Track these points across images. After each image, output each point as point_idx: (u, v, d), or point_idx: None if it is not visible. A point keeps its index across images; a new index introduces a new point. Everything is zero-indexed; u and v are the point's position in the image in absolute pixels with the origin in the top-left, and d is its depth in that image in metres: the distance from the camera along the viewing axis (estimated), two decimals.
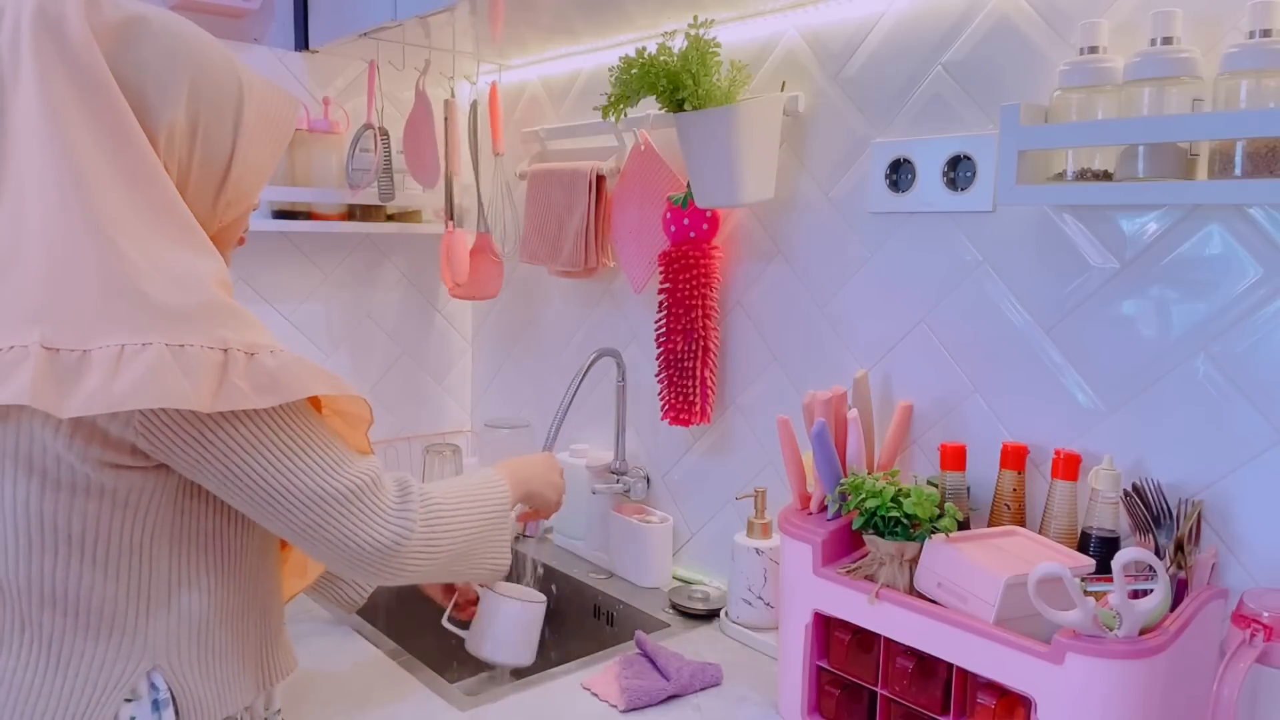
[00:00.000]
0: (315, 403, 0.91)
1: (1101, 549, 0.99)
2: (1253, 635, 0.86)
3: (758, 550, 1.30)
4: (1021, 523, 1.08)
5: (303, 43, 1.71)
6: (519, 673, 1.34)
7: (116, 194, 0.78)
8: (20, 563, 0.80)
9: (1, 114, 0.79)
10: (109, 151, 0.79)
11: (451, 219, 1.76)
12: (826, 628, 1.06)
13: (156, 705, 0.85)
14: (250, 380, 0.78)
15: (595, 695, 1.15)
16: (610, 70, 1.24)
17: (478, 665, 1.63)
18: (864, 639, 1.02)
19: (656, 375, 1.49)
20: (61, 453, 0.78)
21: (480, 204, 1.77)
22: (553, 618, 1.62)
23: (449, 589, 1.30)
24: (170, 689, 0.85)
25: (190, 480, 0.84)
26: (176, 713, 0.85)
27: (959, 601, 0.93)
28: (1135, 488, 0.97)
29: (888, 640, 0.99)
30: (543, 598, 1.26)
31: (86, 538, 0.81)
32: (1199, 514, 0.96)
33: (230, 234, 0.95)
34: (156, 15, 0.84)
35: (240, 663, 0.91)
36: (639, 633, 1.25)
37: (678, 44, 1.22)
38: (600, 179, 1.58)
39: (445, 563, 0.97)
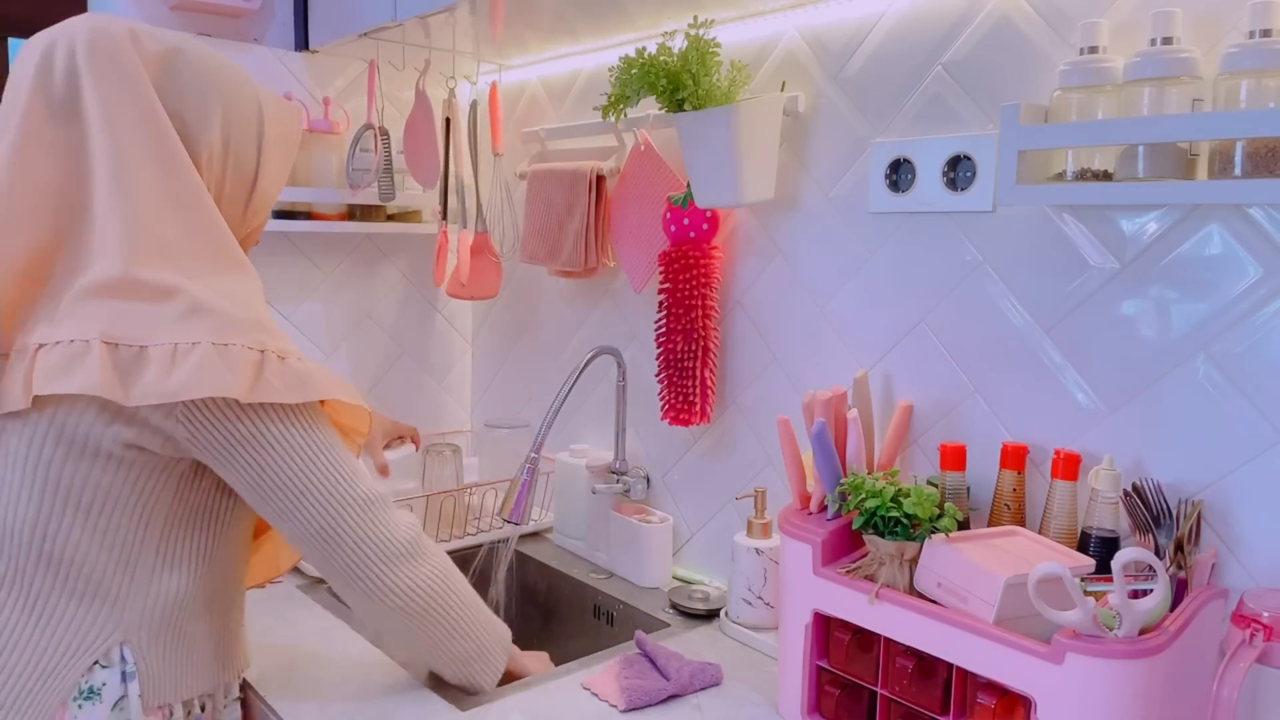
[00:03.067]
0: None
1: (1101, 549, 0.99)
2: (1253, 635, 0.86)
3: (758, 550, 1.30)
4: (1021, 523, 1.08)
5: (303, 43, 1.71)
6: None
7: (170, 212, 0.88)
8: (29, 517, 0.88)
9: (57, 128, 0.87)
10: (164, 174, 0.89)
11: (445, 218, 1.76)
12: (826, 628, 1.06)
13: (125, 676, 0.92)
14: (282, 379, 0.88)
15: (595, 695, 1.15)
16: (610, 70, 1.24)
17: None
18: (864, 639, 1.02)
19: (656, 375, 1.49)
20: (99, 431, 0.86)
21: (479, 204, 1.77)
22: (553, 618, 1.62)
23: None
24: (134, 662, 0.92)
25: (194, 470, 0.92)
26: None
27: (959, 601, 0.93)
28: (1135, 488, 0.97)
29: (888, 640, 0.99)
30: None
31: (94, 507, 0.88)
32: (1199, 514, 0.96)
33: (252, 239, 1.05)
34: (188, 45, 0.94)
35: (202, 650, 0.98)
36: (639, 633, 1.25)
37: (678, 44, 1.22)
38: (600, 179, 1.58)
39: (436, 610, 1.03)
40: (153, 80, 0.90)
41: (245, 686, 1.15)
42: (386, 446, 1.59)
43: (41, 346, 0.83)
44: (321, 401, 0.98)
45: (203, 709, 1.00)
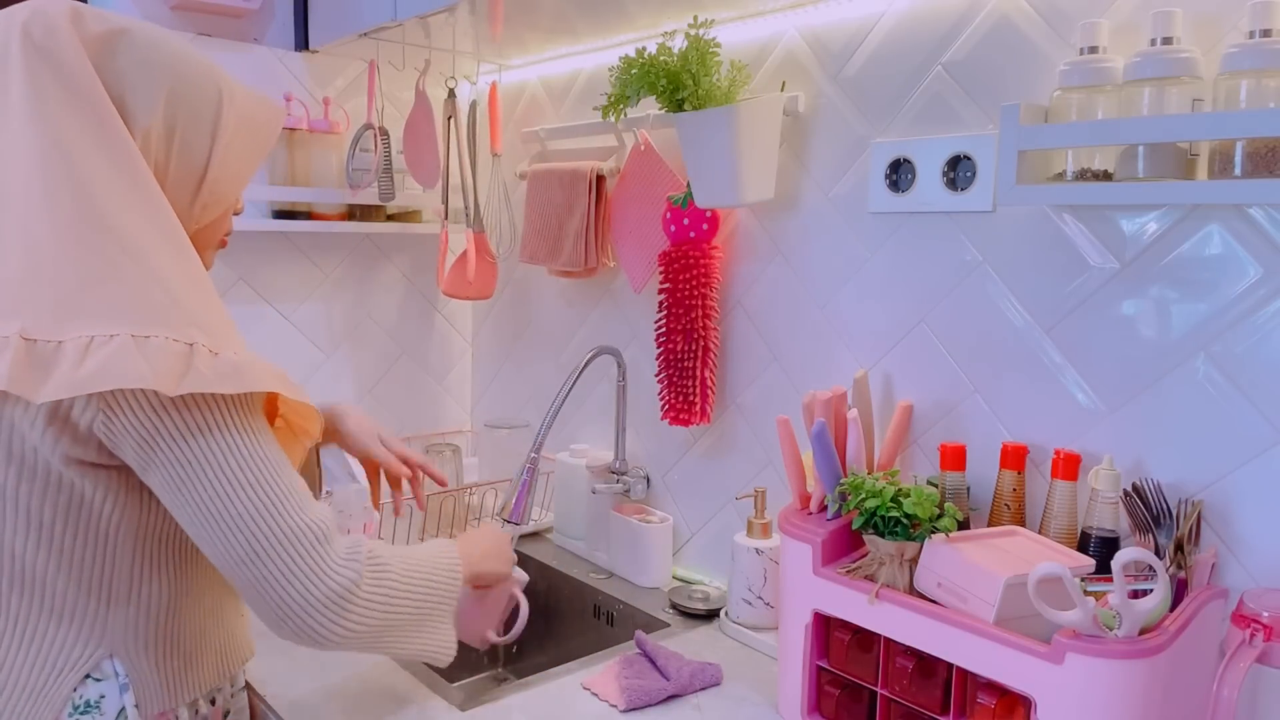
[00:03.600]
0: (270, 412, 0.93)
1: (1101, 549, 0.99)
2: (1253, 635, 0.86)
3: (758, 550, 1.30)
4: (1021, 523, 1.08)
5: (303, 43, 1.71)
6: (519, 673, 1.35)
7: (103, 193, 0.81)
8: None
9: (6, 118, 0.82)
10: (97, 153, 0.82)
11: (447, 218, 1.76)
12: (826, 628, 1.06)
13: (122, 689, 0.89)
14: (213, 369, 0.80)
15: (595, 695, 1.15)
16: (610, 70, 1.24)
17: (478, 665, 1.63)
18: (864, 639, 1.02)
19: (656, 375, 1.49)
20: (37, 444, 0.82)
21: (477, 204, 1.77)
22: (553, 618, 1.62)
23: None
24: (126, 674, 0.89)
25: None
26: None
27: (959, 601, 0.93)
28: (1135, 488, 0.97)
29: (888, 640, 0.99)
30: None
31: (55, 527, 0.85)
32: (1199, 514, 0.96)
33: (210, 234, 0.97)
34: (139, 28, 0.87)
35: (197, 653, 0.95)
36: (639, 633, 1.25)
37: (678, 44, 1.22)
38: (600, 179, 1.58)
39: (383, 632, 0.92)
40: (92, 59, 0.84)
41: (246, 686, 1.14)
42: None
43: None
44: (270, 408, 0.92)
45: (213, 703, 0.97)
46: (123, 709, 0.89)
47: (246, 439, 0.83)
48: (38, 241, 0.79)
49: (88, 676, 0.88)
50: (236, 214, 1.01)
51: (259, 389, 0.82)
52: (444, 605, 1.00)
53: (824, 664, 1.07)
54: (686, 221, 1.44)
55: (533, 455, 1.42)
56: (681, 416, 1.46)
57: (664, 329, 1.46)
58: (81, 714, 0.87)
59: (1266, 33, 0.85)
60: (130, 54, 0.86)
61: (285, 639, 0.87)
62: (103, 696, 0.88)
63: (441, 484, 1.29)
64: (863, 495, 1.00)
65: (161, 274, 0.82)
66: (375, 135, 1.68)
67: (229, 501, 0.82)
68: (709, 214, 1.42)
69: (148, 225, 0.83)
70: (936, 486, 1.12)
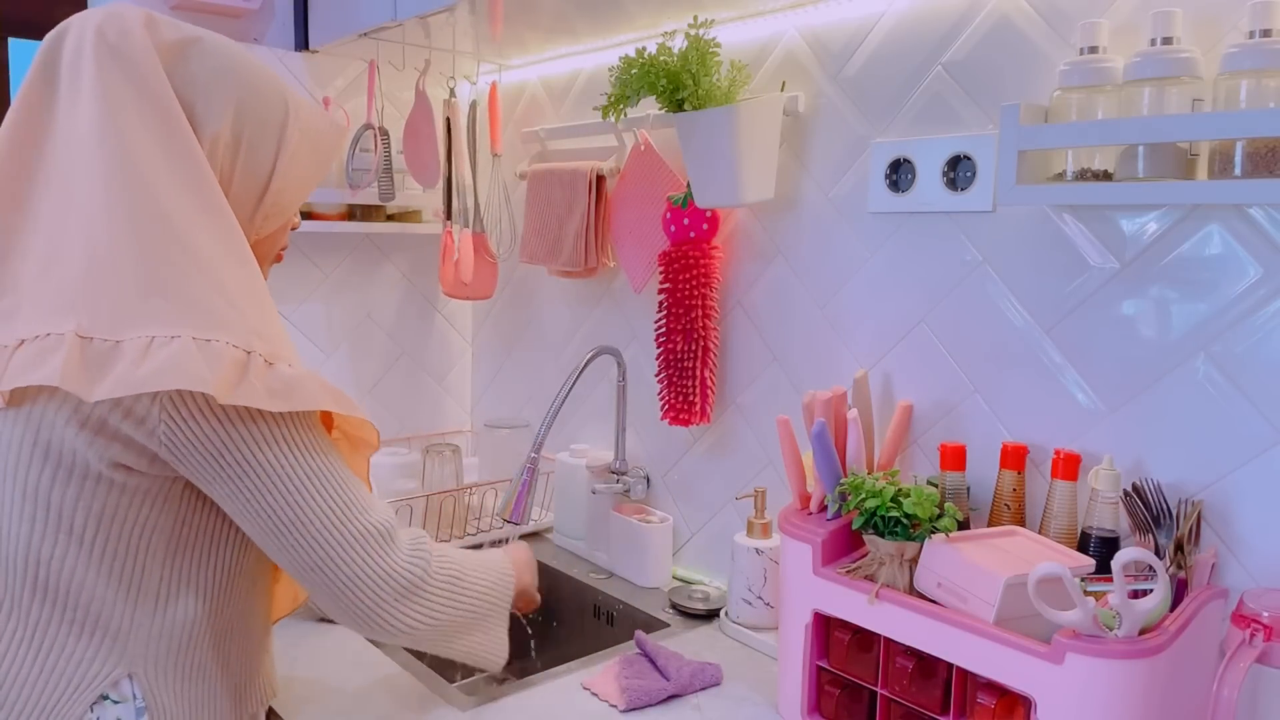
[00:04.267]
0: (326, 423, 0.93)
1: (1101, 549, 0.99)
2: (1253, 635, 0.86)
3: (758, 550, 1.30)
4: (1021, 523, 1.08)
5: (303, 43, 1.71)
6: (519, 672, 1.35)
7: (168, 195, 0.82)
8: (20, 544, 0.82)
9: (56, 114, 0.84)
10: (164, 156, 0.83)
11: (449, 219, 1.76)
12: (826, 628, 1.06)
13: (139, 712, 0.85)
14: (265, 384, 0.80)
15: (595, 695, 1.15)
16: (610, 70, 1.24)
17: None
18: (864, 639, 1.02)
19: (656, 375, 1.49)
20: (78, 446, 0.80)
21: (476, 204, 1.77)
22: (553, 618, 1.62)
23: None
24: (144, 698, 0.85)
25: (195, 492, 0.85)
26: None
27: (959, 601, 0.93)
28: (1135, 488, 0.97)
29: (888, 640, 0.99)
30: None
31: (87, 531, 0.82)
32: (1199, 514, 0.96)
33: (268, 247, 0.99)
34: (210, 38, 0.90)
35: (218, 684, 0.91)
36: (639, 633, 1.25)
37: (678, 44, 1.22)
38: (600, 179, 1.58)
39: (448, 630, 0.97)
40: (165, 65, 0.85)
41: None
42: None
43: (22, 343, 0.79)
44: (326, 420, 0.92)
45: None
46: None
47: (310, 450, 0.85)
48: (100, 242, 0.79)
49: (105, 698, 0.84)
50: (294, 229, 1.02)
51: (306, 407, 0.82)
52: (500, 609, 1.05)
53: (824, 664, 1.07)
54: (686, 221, 1.44)
55: (533, 455, 1.42)
56: (681, 416, 1.46)
57: (664, 329, 1.46)
58: None
59: (1266, 33, 0.85)
60: (202, 61, 0.87)
61: (363, 634, 0.92)
62: (119, 719, 0.84)
63: None
64: (863, 495, 1.00)
65: (222, 280, 0.82)
66: (375, 135, 1.68)
67: (297, 509, 0.84)
68: (709, 214, 1.42)
69: (210, 232, 0.83)
70: (936, 486, 1.12)
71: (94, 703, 0.84)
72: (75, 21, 0.86)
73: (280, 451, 0.83)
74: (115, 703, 0.84)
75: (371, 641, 1.29)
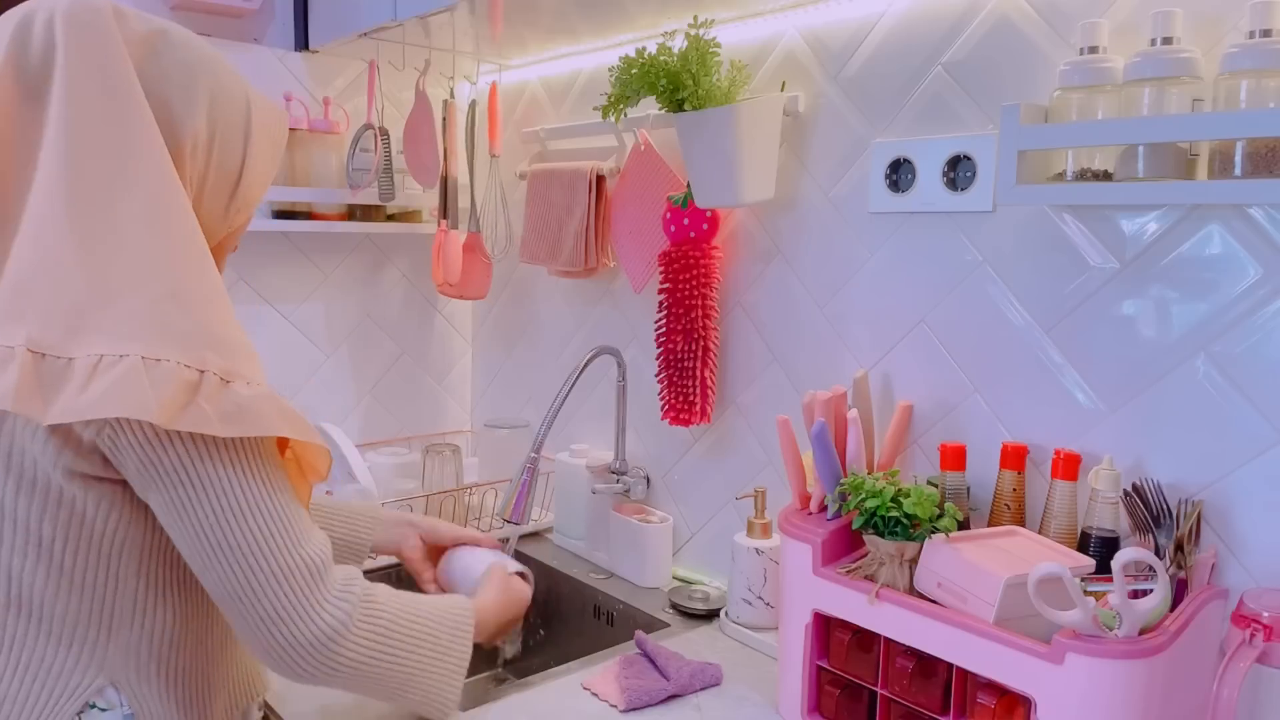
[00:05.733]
0: (281, 444, 0.90)
1: (1101, 549, 0.99)
2: (1253, 635, 0.86)
3: (758, 550, 1.30)
4: (1021, 523, 1.08)
5: (303, 43, 1.71)
6: (519, 672, 1.35)
7: (126, 203, 0.79)
8: None
9: (16, 105, 0.80)
10: (127, 160, 0.80)
11: (445, 218, 1.77)
12: (826, 628, 1.06)
13: (129, 717, 0.85)
14: (217, 406, 0.77)
15: (595, 695, 1.15)
16: (610, 70, 1.24)
17: (478, 665, 1.63)
18: (864, 639, 1.02)
19: (656, 375, 1.49)
20: (38, 457, 0.78)
21: (473, 204, 1.77)
22: (553, 618, 1.62)
23: None
24: (129, 705, 0.85)
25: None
26: None
27: (959, 601, 0.93)
28: (1135, 488, 0.97)
29: (888, 640, 0.99)
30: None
31: (55, 545, 0.80)
32: (1199, 514, 0.96)
33: (230, 241, 0.96)
34: (175, 29, 0.86)
35: (205, 684, 0.90)
36: (639, 633, 1.25)
37: (678, 44, 1.22)
38: (600, 179, 1.58)
39: (374, 677, 0.91)
40: (135, 61, 0.82)
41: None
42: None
43: None
44: (282, 440, 0.88)
45: None
46: None
47: (250, 470, 0.81)
48: (53, 245, 0.76)
49: (92, 706, 0.83)
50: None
51: (257, 433, 0.79)
52: (446, 659, 0.98)
53: (824, 664, 1.07)
54: (686, 221, 1.44)
55: (533, 455, 1.42)
56: (681, 416, 1.46)
57: (664, 329, 1.47)
58: None
59: (1266, 33, 0.85)
60: (171, 55, 0.84)
61: (279, 673, 0.87)
62: None
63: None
64: (863, 495, 1.00)
65: (179, 289, 0.79)
66: (375, 135, 1.68)
67: (227, 531, 0.80)
68: (709, 214, 1.42)
69: (168, 237, 0.80)
70: (936, 486, 1.12)
71: (80, 711, 0.83)
72: (42, 3, 0.81)
73: (217, 468, 0.80)
74: (102, 710, 0.84)
75: None
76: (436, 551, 1.24)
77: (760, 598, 1.30)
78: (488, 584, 1.12)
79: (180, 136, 0.84)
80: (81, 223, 0.77)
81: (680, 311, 1.43)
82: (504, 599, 1.11)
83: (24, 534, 0.80)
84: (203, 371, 0.77)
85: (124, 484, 0.81)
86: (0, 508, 0.80)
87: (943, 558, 0.95)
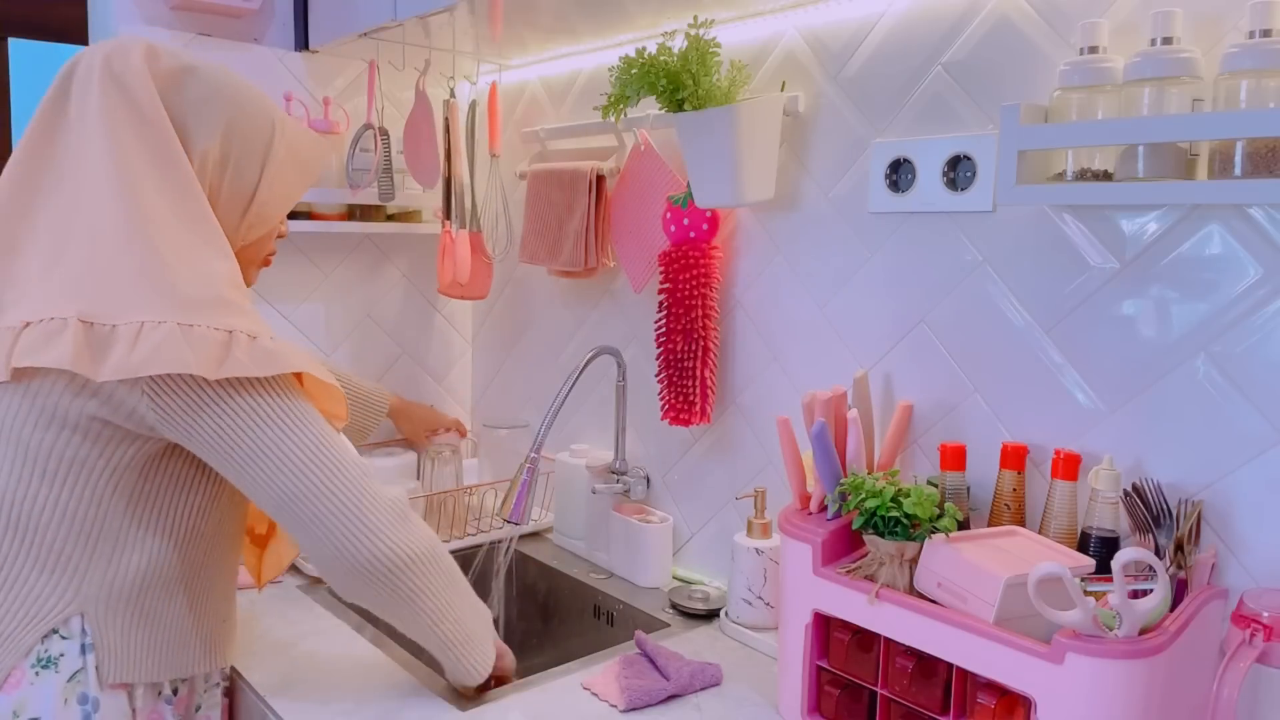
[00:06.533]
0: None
1: (1101, 549, 0.99)
2: (1253, 635, 0.86)
3: (758, 550, 1.30)
4: (1021, 523, 1.08)
5: (303, 43, 1.71)
6: (519, 672, 1.34)
7: (158, 201, 0.93)
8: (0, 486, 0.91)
9: (66, 132, 0.95)
10: (155, 166, 0.94)
11: (448, 219, 1.77)
12: (826, 628, 1.06)
13: (84, 649, 0.93)
14: (250, 355, 0.90)
15: (595, 695, 1.15)
16: (610, 70, 1.24)
17: None
18: (864, 639, 1.02)
19: (656, 375, 1.49)
20: (68, 403, 0.89)
21: (474, 204, 1.76)
22: (553, 618, 1.62)
23: None
24: (91, 636, 0.93)
25: (162, 450, 0.94)
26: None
27: (959, 601, 0.93)
28: (1135, 488, 0.97)
29: (888, 640, 0.99)
30: None
31: (58, 476, 0.91)
32: (1199, 514, 0.96)
33: (254, 252, 1.08)
34: (206, 67, 1.00)
35: (167, 636, 0.99)
36: (639, 633, 1.25)
37: (678, 44, 1.22)
38: (600, 179, 1.58)
39: (442, 598, 1.04)
40: (160, 90, 0.96)
41: (236, 678, 1.16)
42: (431, 436, 1.71)
43: (27, 325, 0.88)
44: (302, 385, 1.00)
45: (175, 692, 1.01)
46: (80, 669, 0.93)
47: (283, 400, 0.93)
48: (101, 240, 0.90)
49: (55, 632, 0.92)
50: (280, 237, 1.12)
51: (291, 369, 0.93)
52: (483, 625, 1.11)
53: (824, 664, 1.07)
54: (686, 221, 1.44)
55: (533, 455, 1.42)
56: (681, 416, 1.45)
57: (664, 329, 1.46)
58: (42, 668, 0.92)
59: (1266, 33, 0.85)
60: (196, 88, 0.98)
61: (339, 580, 0.98)
62: (63, 655, 0.92)
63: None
64: (863, 495, 1.00)
65: (204, 273, 0.92)
66: (375, 135, 1.68)
67: (276, 451, 0.92)
68: (709, 214, 1.42)
69: (193, 232, 0.94)
70: (936, 486, 1.12)
71: (45, 635, 0.92)
72: (87, 53, 0.98)
73: (256, 399, 0.92)
74: (64, 638, 0.93)
75: (371, 642, 1.29)
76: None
77: (760, 598, 1.30)
78: None
79: (191, 153, 0.97)
80: (124, 220, 0.91)
81: (680, 311, 1.43)
82: (502, 647, 1.20)
83: (33, 463, 0.91)
84: (230, 332, 0.90)
85: (139, 435, 0.91)
86: (19, 442, 0.90)
87: (943, 558, 0.95)
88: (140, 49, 0.97)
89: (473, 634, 1.08)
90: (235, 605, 1.10)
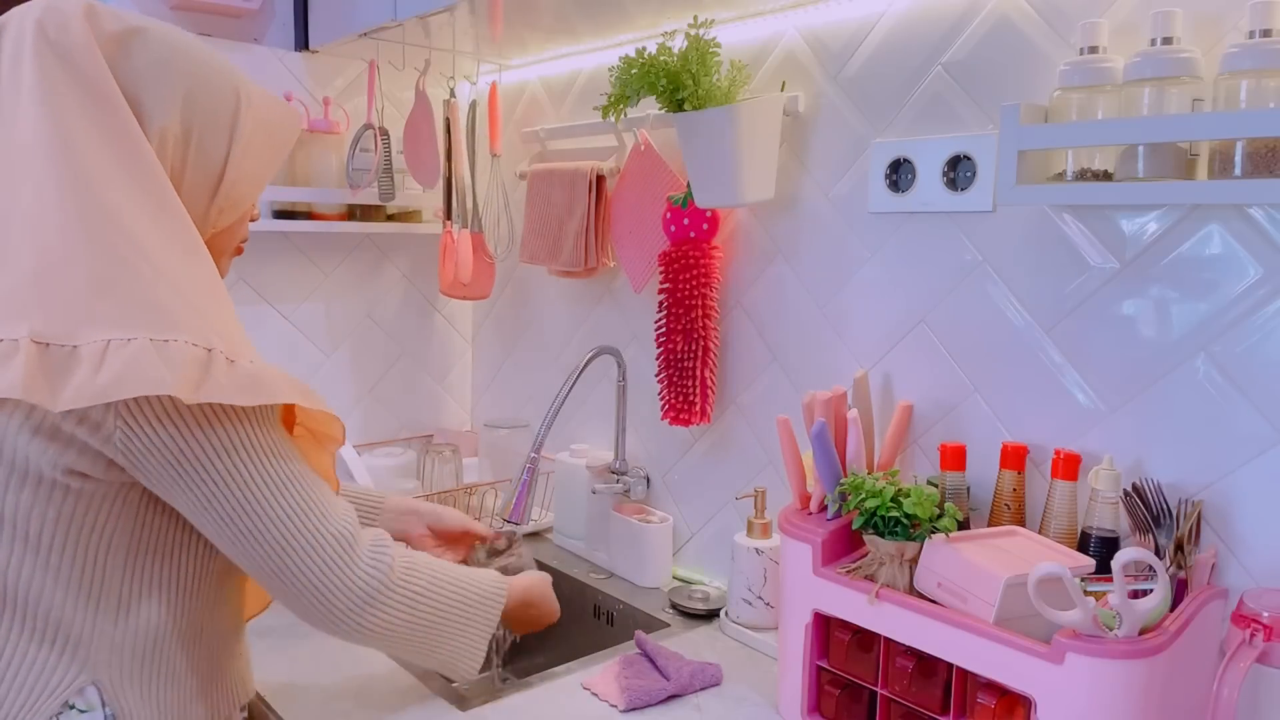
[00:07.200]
0: (288, 421, 0.92)
1: (1101, 549, 0.99)
2: (1253, 635, 0.86)
3: (758, 550, 1.30)
4: (1021, 523, 1.08)
5: (303, 43, 1.71)
6: (519, 672, 1.35)
7: (116, 193, 0.79)
8: None
9: (16, 113, 0.80)
10: (110, 152, 0.80)
11: (449, 219, 1.77)
12: (826, 628, 1.06)
13: (109, 718, 0.84)
14: (231, 379, 0.78)
15: (595, 695, 1.15)
16: (610, 70, 1.24)
17: None
18: (864, 639, 1.02)
19: (656, 375, 1.49)
20: (31, 454, 0.78)
21: (475, 204, 1.77)
22: None
23: None
24: (110, 705, 0.84)
25: (153, 496, 0.83)
26: None
27: (959, 601, 0.93)
28: (1135, 488, 0.97)
29: (888, 640, 0.99)
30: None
31: (43, 538, 0.80)
32: (1199, 514, 0.96)
33: (226, 240, 0.95)
34: (155, 27, 0.86)
35: (187, 688, 0.90)
36: (639, 633, 1.25)
37: (678, 44, 1.22)
38: (600, 179, 1.58)
39: (411, 637, 0.97)
40: (107, 58, 0.82)
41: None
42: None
43: None
44: (288, 417, 0.92)
45: None
46: None
47: (270, 454, 0.84)
48: (47, 241, 0.76)
49: (71, 706, 0.82)
50: (253, 220, 0.99)
51: (276, 400, 0.81)
52: (471, 627, 1.03)
53: (824, 664, 1.07)
54: (686, 221, 1.44)
55: (533, 455, 1.42)
56: (681, 416, 1.46)
57: (664, 329, 1.47)
58: None
59: (1266, 33, 0.85)
60: (145, 53, 0.84)
61: (330, 635, 0.92)
62: None
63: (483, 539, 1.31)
64: (863, 495, 1.00)
65: (176, 279, 0.80)
66: (375, 135, 1.68)
67: (257, 517, 0.84)
68: (709, 214, 1.42)
69: (162, 230, 0.81)
70: (936, 486, 1.12)
71: (59, 712, 0.82)
72: (14, 16, 0.82)
73: (240, 457, 0.82)
74: (82, 711, 0.83)
75: None
76: (444, 539, 1.26)
77: (760, 598, 1.30)
78: (530, 574, 1.18)
79: (149, 132, 0.84)
80: (75, 215, 0.77)
81: (680, 311, 1.43)
82: (539, 589, 1.16)
83: (11, 528, 0.80)
84: (210, 350, 0.78)
85: (117, 483, 0.81)
86: None
87: (943, 558, 0.95)
88: (79, 9, 0.82)
89: (456, 649, 1.02)
90: (246, 636, 1.02)
